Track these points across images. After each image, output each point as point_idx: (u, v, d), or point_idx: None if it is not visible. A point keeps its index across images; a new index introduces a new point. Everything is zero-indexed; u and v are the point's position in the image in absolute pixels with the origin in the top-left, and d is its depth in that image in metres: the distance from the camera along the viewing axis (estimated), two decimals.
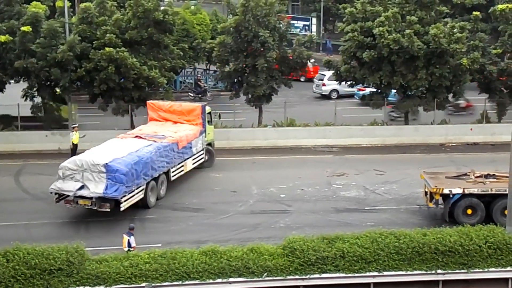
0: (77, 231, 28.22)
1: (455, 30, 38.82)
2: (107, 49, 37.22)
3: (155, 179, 30.92)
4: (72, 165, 28.69)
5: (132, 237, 24.00)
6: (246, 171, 35.47)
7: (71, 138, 36.02)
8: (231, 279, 22.48)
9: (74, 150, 35.37)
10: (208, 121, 36.17)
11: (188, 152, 33.69)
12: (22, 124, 39.28)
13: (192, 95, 51.55)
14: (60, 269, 21.87)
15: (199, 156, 35.00)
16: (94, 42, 38.13)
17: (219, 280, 22.42)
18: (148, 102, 36.61)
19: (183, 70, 51.74)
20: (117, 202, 28.40)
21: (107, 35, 37.80)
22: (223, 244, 24.13)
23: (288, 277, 22.82)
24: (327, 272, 22.94)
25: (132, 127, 39.24)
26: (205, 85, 52.82)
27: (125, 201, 28.59)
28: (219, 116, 38.11)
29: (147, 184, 30.17)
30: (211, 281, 22.35)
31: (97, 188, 28.16)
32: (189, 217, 29.68)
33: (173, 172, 32.44)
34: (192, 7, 53.07)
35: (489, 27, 45.28)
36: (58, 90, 38.95)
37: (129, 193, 28.80)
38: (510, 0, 42.81)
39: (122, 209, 28.60)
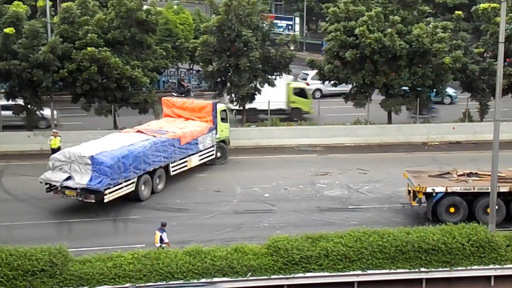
0: (60, 232, 28.09)
1: (438, 30, 39.01)
2: (89, 49, 37.04)
3: (150, 173, 31.36)
4: (61, 156, 29.58)
5: (164, 233, 24.17)
6: (229, 171, 35.45)
7: (49, 143, 35.33)
8: (215, 279, 22.45)
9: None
10: (223, 119, 36.69)
11: (193, 148, 34.18)
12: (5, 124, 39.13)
13: (175, 95, 51.46)
14: (43, 270, 21.74)
15: (207, 152, 35.38)
16: (76, 42, 37.93)
17: (203, 280, 22.36)
18: (163, 98, 37.59)
19: (166, 70, 51.66)
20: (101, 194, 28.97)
21: (89, 35, 37.61)
22: (207, 244, 24.10)
23: (272, 277, 22.82)
24: (311, 271, 22.97)
25: (115, 127, 39.15)
26: (188, 84, 52.77)
27: (110, 193, 29.20)
28: (234, 114, 38.22)
29: (139, 177, 30.68)
30: (195, 281, 22.29)
31: (82, 179, 28.90)
32: (173, 217, 29.58)
33: (173, 167, 32.91)
34: (175, 7, 53.00)
35: (471, 26, 45.61)
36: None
37: (114, 186, 29.36)
38: None
39: (106, 200, 29.15)
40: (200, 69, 44.62)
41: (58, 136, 35.32)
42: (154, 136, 32.47)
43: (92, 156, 29.09)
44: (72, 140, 35.51)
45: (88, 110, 39.91)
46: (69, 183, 29.05)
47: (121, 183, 29.80)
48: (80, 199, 29.34)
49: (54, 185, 29.66)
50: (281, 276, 22.85)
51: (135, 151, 30.61)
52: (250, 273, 22.63)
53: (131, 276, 21.99)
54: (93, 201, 29.12)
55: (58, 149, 34.47)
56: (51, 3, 40.57)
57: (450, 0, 55.06)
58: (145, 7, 39.81)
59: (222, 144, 36.65)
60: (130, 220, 29.42)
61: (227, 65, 40.71)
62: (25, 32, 37.48)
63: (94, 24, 38.38)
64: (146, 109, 39.82)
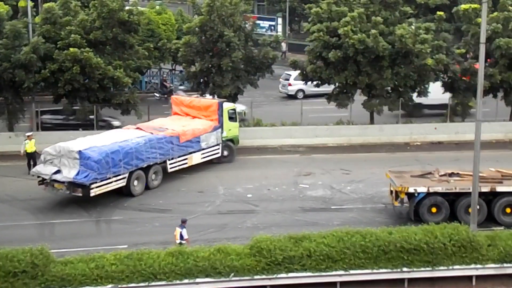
0: (42, 233, 27.97)
1: (420, 31, 39.16)
2: (71, 49, 36.87)
3: (144, 169, 31.85)
4: (52, 150, 30.32)
5: (184, 229, 24.42)
6: (212, 171, 35.41)
7: (23, 147, 34.42)
8: (198, 280, 22.43)
9: (29, 159, 34.12)
10: (231, 118, 37.11)
11: (194, 146, 34.60)
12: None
13: (157, 95, 51.36)
14: (24, 271, 21.61)
15: (212, 151, 35.72)
16: (58, 43, 37.73)
17: (186, 280, 22.36)
18: (172, 96, 38.51)
19: (148, 70, 51.50)
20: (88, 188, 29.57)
21: (72, 35, 37.42)
22: (190, 245, 24.06)
23: (255, 277, 22.82)
24: (294, 272, 22.99)
25: (97, 127, 38.97)
26: (171, 85, 52.63)
27: (97, 187, 29.83)
28: (244, 113, 38.31)
29: (131, 173, 31.20)
30: (178, 282, 22.28)
31: (69, 173, 29.57)
32: (155, 218, 29.55)
33: (170, 163, 33.37)
34: (157, 7, 52.86)
35: (453, 27, 45.77)
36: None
37: (102, 180, 29.96)
38: (472, 0, 43.26)
39: (92, 195, 29.73)
40: (182, 69, 44.52)
41: (33, 139, 34.52)
42: (152, 133, 32.88)
43: (80, 150, 29.69)
44: (54, 140, 35.26)
45: (70, 111, 39.71)
46: (57, 177, 29.71)
47: (109, 178, 30.33)
48: (68, 192, 30.01)
49: (44, 178, 30.31)
50: (264, 276, 22.86)
51: (127, 147, 31.09)
52: (233, 274, 22.62)
53: (114, 277, 21.92)
54: (80, 194, 29.76)
55: (34, 153, 34.00)
56: (33, 3, 40.29)
57: (432, 1, 55.20)
58: (127, 7, 39.64)
59: (229, 143, 37.02)
60: (112, 221, 29.33)
61: (210, 65, 40.66)
62: (7, 32, 37.25)
63: (77, 25, 38.20)
64: (128, 110, 39.69)
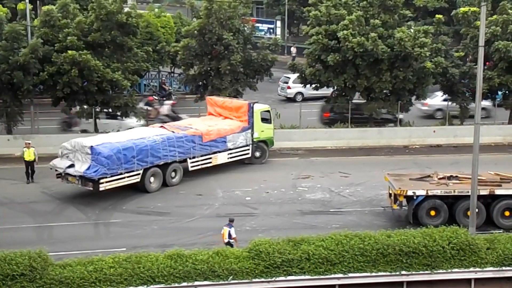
0: (40, 236, 27.90)
1: (419, 34, 39.14)
2: (69, 52, 36.84)
3: (161, 166, 32.62)
4: (69, 145, 31.67)
5: (232, 228, 24.75)
6: (211, 174, 35.37)
7: (22, 155, 33.60)
8: (196, 283, 22.39)
9: (27, 167, 33.39)
10: (265, 119, 37.39)
11: (219, 146, 35.22)
12: None
13: (156, 98, 51.28)
14: (22, 274, 21.54)
15: (240, 151, 36.23)
16: (56, 45, 37.72)
17: (185, 283, 22.31)
18: (207, 97, 38.82)
19: (147, 73, 51.50)
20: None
21: (69, 37, 37.40)
22: (188, 248, 24.02)
23: (254, 280, 22.77)
24: (292, 275, 22.95)
25: (96, 130, 38.96)
26: (170, 88, 52.62)
27: (107, 182, 30.86)
28: (278, 115, 38.39)
29: (146, 169, 32.07)
30: (176, 285, 22.24)
31: (81, 167, 30.78)
32: (154, 221, 29.51)
33: (192, 162, 34.07)
34: (156, 10, 52.88)
35: (451, 30, 45.80)
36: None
37: (111, 176, 30.93)
38: (471, 3, 43.31)
39: (101, 189, 30.76)
40: (181, 72, 44.53)
41: (32, 147, 33.55)
42: (173, 132, 33.60)
43: (91, 146, 30.83)
44: (53, 143, 35.32)
45: (69, 114, 39.68)
46: (70, 171, 31.04)
47: (121, 174, 31.19)
48: (80, 186, 31.24)
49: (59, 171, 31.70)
50: (262, 279, 22.81)
51: (141, 145, 31.96)
52: (231, 277, 22.59)
53: (112, 280, 21.86)
54: (91, 188, 30.88)
55: (33, 161, 33.41)
56: (32, 6, 40.30)
57: (431, 4, 55.33)
58: (126, 9, 39.62)
59: (261, 144, 37.27)
60: (111, 224, 29.28)
61: (209, 68, 40.67)
62: (5, 34, 37.24)
63: (74, 27, 38.18)
64: (127, 113, 39.67)
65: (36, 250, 22.27)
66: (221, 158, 35.50)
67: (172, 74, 55.00)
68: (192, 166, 34.26)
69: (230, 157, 35.98)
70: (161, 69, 54.36)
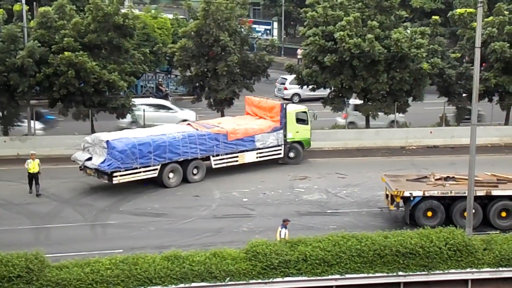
0: (37, 237, 27.85)
1: (416, 35, 39.17)
2: (66, 53, 36.78)
3: (181, 163, 33.33)
4: (89, 139, 33.14)
5: (283, 229, 24.60)
6: (208, 175, 35.32)
7: (27, 166, 32.01)
8: (193, 284, 22.38)
9: (31, 178, 31.95)
10: (301, 120, 37.64)
11: (246, 145, 35.56)
12: None
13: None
14: (19, 276, 21.52)
15: (270, 151, 36.48)
16: (53, 46, 37.67)
17: (182, 285, 22.30)
18: (246, 97, 39.48)
19: (144, 75, 51.47)
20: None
21: (66, 39, 37.34)
22: (185, 249, 24.02)
23: (251, 281, 22.78)
24: (289, 276, 22.97)
25: (93, 132, 38.88)
26: (166, 89, 52.61)
27: (120, 176, 31.86)
28: (315, 116, 38.47)
29: (164, 165, 32.85)
30: (173, 286, 22.22)
31: (97, 161, 31.98)
32: (151, 222, 29.49)
33: (215, 160, 34.60)
34: (153, 11, 52.86)
35: (448, 31, 45.87)
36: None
37: (125, 170, 31.89)
38: (467, 4, 43.36)
39: (114, 182, 31.81)
40: (178, 74, 44.52)
41: (36, 159, 32.09)
42: (197, 130, 34.25)
43: (107, 140, 31.92)
44: (50, 145, 35.30)
45: (65, 115, 39.64)
46: (87, 163, 32.41)
47: (136, 168, 32.10)
48: (97, 178, 32.40)
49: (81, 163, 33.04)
50: (259, 280, 22.82)
51: (159, 141, 32.76)
52: (228, 278, 22.58)
53: (109, 281, 21.84)
54: (106, 181, 32.00)
55: (37, 173, 31.96)
56: (28, 7, 40.22)
57: (427, 5, 55.43)
58: (122, 11, 39.59)
59: (295, 145, 37.38)
60: (108, 225, 29.26)
61: (205, 69, 40.66)
62: (3, 36, 37.16)
63: (71, 28, 38.12)
64: (124, 114, 39.64)
65: (33, 252, 22.24)
66: (249, 157, 35.78)
67: (169, 75, 54.96)
68: (215, 164, 34.68)
69: (259, 157, 36.18)
70: (158, 71, 54.30)
